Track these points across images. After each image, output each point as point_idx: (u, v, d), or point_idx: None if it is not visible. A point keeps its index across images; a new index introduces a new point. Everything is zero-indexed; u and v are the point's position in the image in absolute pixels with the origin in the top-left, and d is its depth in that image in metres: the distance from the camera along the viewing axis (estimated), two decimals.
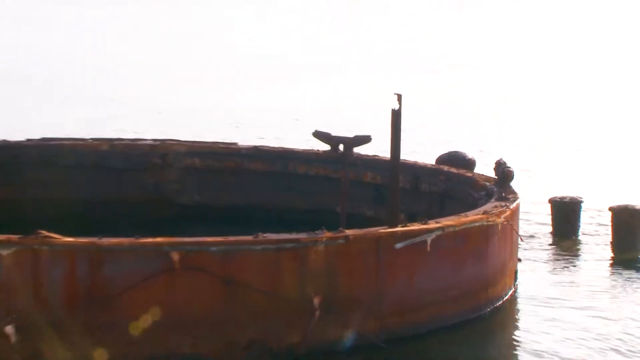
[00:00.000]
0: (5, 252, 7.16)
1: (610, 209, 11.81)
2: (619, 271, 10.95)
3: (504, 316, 9.28)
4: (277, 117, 23.52)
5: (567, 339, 8.63)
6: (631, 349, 8.47)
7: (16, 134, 13.80)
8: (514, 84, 32.91)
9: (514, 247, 9.76)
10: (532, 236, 12.01)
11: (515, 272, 9.96)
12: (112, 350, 7.27)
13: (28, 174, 11.74)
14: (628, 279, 10.67)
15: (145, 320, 7.20)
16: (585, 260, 11.35)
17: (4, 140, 12.15)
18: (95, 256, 7.28)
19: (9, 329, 7.13)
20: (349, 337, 7.72)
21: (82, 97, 27.76)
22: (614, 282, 10.60)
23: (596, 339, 8.66)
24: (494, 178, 10.22)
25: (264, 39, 58.76)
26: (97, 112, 24.17)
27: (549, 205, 12.26)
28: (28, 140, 12.17)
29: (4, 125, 19.83)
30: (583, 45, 54.71)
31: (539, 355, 8.25)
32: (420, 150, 13.78)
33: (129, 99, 27.30)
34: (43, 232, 7.28)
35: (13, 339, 7.14)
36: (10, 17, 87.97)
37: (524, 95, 29.52)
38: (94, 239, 7.33)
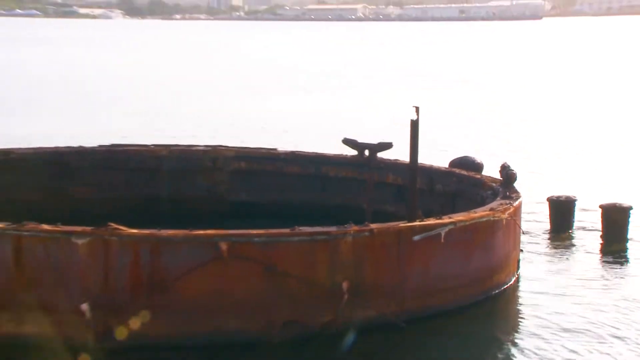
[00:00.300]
0: (80, 242, 7.22)
1: (601, 206, 11.71)
2: (608, 260, 10.82)
3: (507, 299, 9.22)
4: (313, 123, 23.57)
5: (563, 318, 8.56)
6: (619, 321, 8.52)
7: (91, 139, 13.93)
8: (518, 98, 32.76)
9: (517, 240, 9.66)
10: (532, 230, 11.90)
11: (518, 261, 9.87)
12: (169, 327, 7.31)
13: (100, 176, 11.84)
14: (615, 267, 10.56)
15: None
16: (578, 251, 11.24)
17: (81, 146, 12.25)
18: (155, 246, 7.30)
19: (84, 307, 7.18)
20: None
21: (141, 108, 28.01)
22: (603, 270, 10.47)
23: (589, 316, 8.65)
24: (500, 179, 10.15)
25: (302, 54, 58.93)
26: (153, 120, 24.35)
27: (547, 203, 12.17)
28: (100, 146, 12.27)
29: (82, 132, 20.06)
30: (577, 63, 54.33)
31: (538, 332, 8.20)
32: (435, 155, 13.67)
33: (181, 109, 27.50)
34: (112, 224, 7.33)
35: (88, 315, 7.19)
36: (82, 40, 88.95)
37: (526, 107, 29.35)
38: (155, 231, 7.36)
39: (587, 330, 8.27)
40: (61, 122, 23.80)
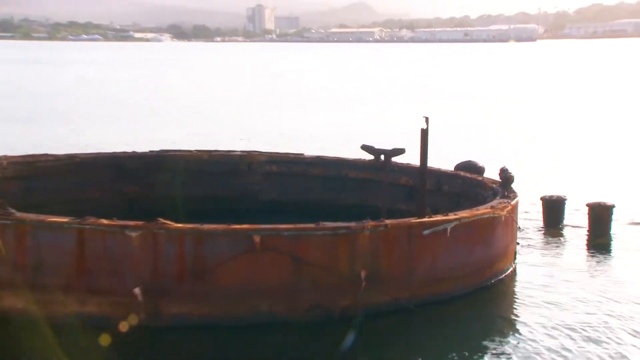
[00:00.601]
0: (134, 234, 7.23)
1: (588, 205, 11.59)
2: (593, 252, 10.69)
3: (506, 286, 9.11)
4: (335, 132, 23.52)
5: (554, 301, 8.51)
6: (602, 302, 8.54)
7: (142, 146, 14.00)
8: (516, 110, 32.52)
9: (514, 234, 9.56)
10: (527, 226, 11.79)
11: (515, 253, 9.77)
12: (209, 308, 7.31)
13: (151, 177, 11.88)
14: (600, 258, 10.43)
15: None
16: (568, 244, 11.11)
17: (134, 152, 12.30)
18: (198, 238, 7.29)
19: (137, 291, 7.19)
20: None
21: (187, 119, 28.13)
22: (589, 260, 10.35)
23: (577, 298, 8.62)
24: (499, 181, 10.05)
25: (327, 77, 58.94)
26: (198, 129, 24.45)
27: (541, 202, 12.07)
28: (150, 151, 12.32)
29: (136, 139, 20.19)
30: (567, 79, 53.88)
31: (533, 314, 8.14)
32: (442, 159, 13.58)
33: (221, 120, 27.59)
34: (161, 219, 7.34)
35: (140, 298, 7.21)
36: (137, 60, 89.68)
37: (523, 118, 29.12)
38: (198, 225, 7.36)
39: (575, 310, 8.24)
40: (118, 131, 23.98)
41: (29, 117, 27.97)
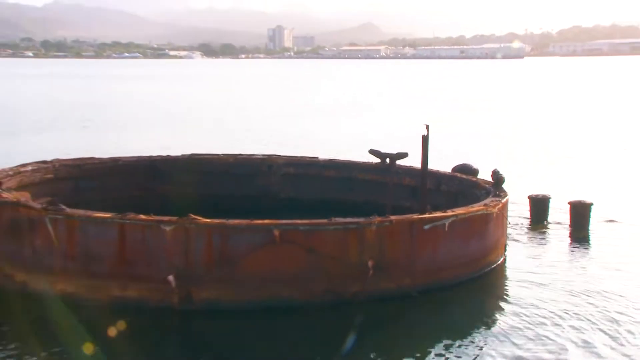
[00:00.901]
0: (167, 228, 7.24)
1: (569, 203, 11.52)
2: (574, 245, 10.60)
3: (497, 275, 9.04)
4: (346, 137, 23.46)
5: (541, 287, 8.48)
6: (582, 286, 8.57)
7: (176, 150, 14.01)
8: (506, 118, 32.36)
9: (505, 229, 9.49)
10: (516, 222, 11.69)
11: (505, 246, 9.69)
12: (235, 294, 7.30)
13: (182, 178, 11.88)
14: (580, 250, 10.35)
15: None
16: (552, 237, 11.02)
17: (168, 155, 12.32)
18: (224, 232, 7.29)
19: (170, 278, 7.20)
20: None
21: (215, 126, 28.20)
22: (571, 252, 10.26)
23: (560, 285, 8.59)
24: (491, 182, 9.99)
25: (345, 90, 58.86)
26: (225, 135, 24.49)
27: (528, 200, 11.97)
28: (182, 155, 12.32)
29: (170, 144, 20.24)
30: (552, 91, 53.53)
31: (521, 299, 8.09)
32: (441, 162, 13.47)
33: (244, 127, 27.62)
34: (192, 215, 7.34)
35: (173, 284, 7.21)
36: (172, 75, 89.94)
37: (513, 125, 28.96)
38: (224, 220, 7.36)
39: (559, 295, 8.23)
40: (155, 136, 24.06)
41: (80, 125, 28.15)
